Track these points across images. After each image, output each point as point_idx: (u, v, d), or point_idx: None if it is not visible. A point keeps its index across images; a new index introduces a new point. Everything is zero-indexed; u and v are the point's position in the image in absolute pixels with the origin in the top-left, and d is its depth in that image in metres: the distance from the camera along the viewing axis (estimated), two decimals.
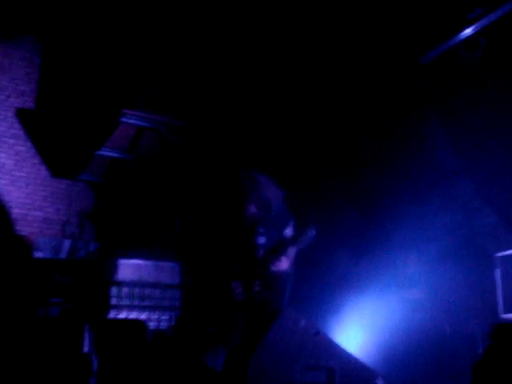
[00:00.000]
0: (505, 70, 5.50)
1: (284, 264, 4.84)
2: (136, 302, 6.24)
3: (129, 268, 6.33)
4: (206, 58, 6.67)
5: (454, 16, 5.44)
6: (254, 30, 6.37)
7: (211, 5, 6.37)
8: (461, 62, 5.77)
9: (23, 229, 7.70)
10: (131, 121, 6.74)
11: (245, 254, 5.01)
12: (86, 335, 5.91)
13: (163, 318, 6.30)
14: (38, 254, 7.29)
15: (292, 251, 4.87)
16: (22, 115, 8.16)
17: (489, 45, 5.51)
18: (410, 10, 5.52)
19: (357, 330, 5.61)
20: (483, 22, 5.43)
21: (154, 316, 6.26)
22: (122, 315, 6.12)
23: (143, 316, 6.21)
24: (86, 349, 5.94)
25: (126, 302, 6.19)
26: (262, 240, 5.01)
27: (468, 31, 5.52)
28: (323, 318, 5.42)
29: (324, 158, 6.53)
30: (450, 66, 5.87)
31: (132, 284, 6.28)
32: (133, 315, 6.19)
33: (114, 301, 6.13)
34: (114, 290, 6.16)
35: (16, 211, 7.75)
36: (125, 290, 6.22)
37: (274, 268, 4.84)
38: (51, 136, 8.08)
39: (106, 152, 7.26)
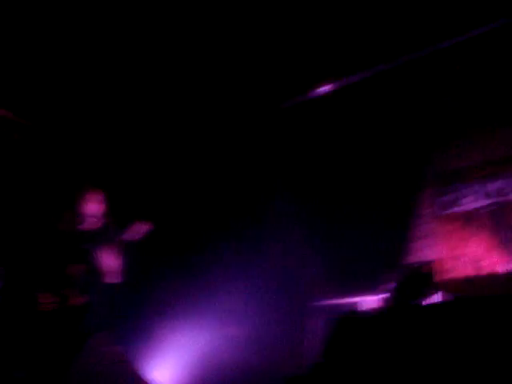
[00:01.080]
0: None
1: (111, 260, 4.64)
2: None
3: None
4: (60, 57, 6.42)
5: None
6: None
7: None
8: (314, 114, 6.09)
9: None
10: None
11: (62, 264, 4.83)
12: None
13: None
14: None
15: (116, 245, 4.66)
16: None
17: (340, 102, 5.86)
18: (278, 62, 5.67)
19: (171, 361, 5.63)
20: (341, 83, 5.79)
21: None
22: None
23: None
24: None
25: None
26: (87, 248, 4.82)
27: (325, 88, 5.84)
28: (138, 346, 5.35)
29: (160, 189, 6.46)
30: (303, 116, 6.15)
31: None
32: None
33: None
34: None
35: None
36: None
37: (102, 267, 4.61)
38: None
39: None
